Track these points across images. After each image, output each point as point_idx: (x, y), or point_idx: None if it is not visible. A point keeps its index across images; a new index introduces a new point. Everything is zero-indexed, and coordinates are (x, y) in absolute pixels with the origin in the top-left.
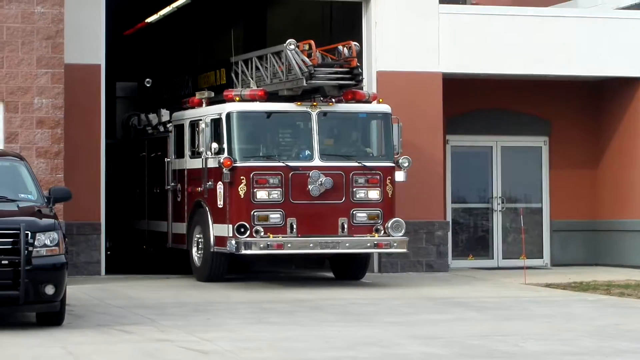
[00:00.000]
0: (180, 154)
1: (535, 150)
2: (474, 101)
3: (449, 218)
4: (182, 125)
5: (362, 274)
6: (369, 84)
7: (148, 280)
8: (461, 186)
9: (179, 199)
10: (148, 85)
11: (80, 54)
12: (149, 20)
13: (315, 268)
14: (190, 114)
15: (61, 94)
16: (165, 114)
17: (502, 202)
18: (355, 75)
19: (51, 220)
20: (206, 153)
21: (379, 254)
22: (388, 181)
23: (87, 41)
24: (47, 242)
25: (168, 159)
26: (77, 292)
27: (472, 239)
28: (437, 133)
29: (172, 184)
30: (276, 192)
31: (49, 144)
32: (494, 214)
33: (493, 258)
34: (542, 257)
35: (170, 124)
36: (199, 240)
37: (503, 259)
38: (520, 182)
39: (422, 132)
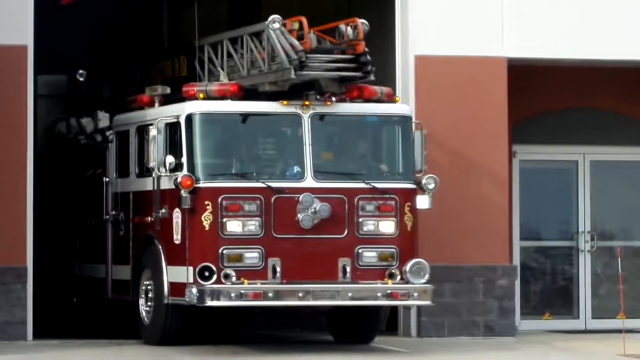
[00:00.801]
0: (123, 171)
1: (638, 165)
2: (553, 98)
3: (516, 261)
4: (127, 132)
5: (371, 336)
6: (405, 74)
7: (91, 348)
8: (534, 216)
9: (122, 233)
10: (81, 79)
11: None
12: None
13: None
14: (137, 118)
15: None
16: (104, 118)
17: (592, 239)
18: (362, 64)
19: None
20: (159, 170)
21: (418, 309)
22: (407, 209)
23: (9, 14)
24: None
25: (107, 179)
26: None
27: (550, 291)
28: (500, 142)
29: (113, 212)
30: (253, 222)
31: None
32: (580, 255)
33: (579, 317)
34: None
35: (111, 132)
36: (149, 288)
37: (593, 318)
38: (617, 210)
39: (479, 141)
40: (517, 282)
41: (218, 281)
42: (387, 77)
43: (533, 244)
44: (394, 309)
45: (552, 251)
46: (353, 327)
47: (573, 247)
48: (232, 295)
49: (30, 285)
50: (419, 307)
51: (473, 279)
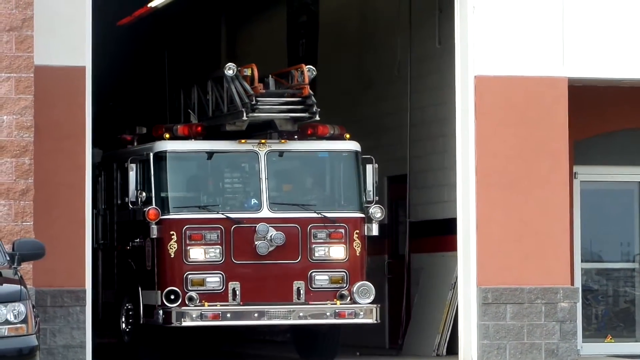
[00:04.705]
0: (110, 203)
1: None
2: (614, 118)
3: (577, 283)
4: (112, 167)
5: (332, 353)
6: (464, 94)
7: None
8: (596, 238)
9: (108, 260)
10: None
11: (56, 53)
12: (153, 4)
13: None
14: (119, 155)
15: (30, 109)
16: (97, 154)
17: None
18: (308, 106)
19: (16, 287)
20: (132, 203)
21: (479, 332)
22: (355, 236)
23: (67, 34)
24: (10, 317)
25: (95, 210)
26: None
27: (612, 313)
28: (560, 162)
29: (101, 241)
30: (214, 250)
31: (13, 179)
32: None
33: None
34: None
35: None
36: (129, 310)
37: None
38: None
39: (539, 162)
40: (579, 305)
41: (182, 304)
42: (445, 97)
43: (594, 266)
44: (454, 332)
45: (614, 273)
46: (314, 345)
47: (635, 269)
48: (194, 316)
49: (89, 308)
50: (480, 331)
51: (534, 301)
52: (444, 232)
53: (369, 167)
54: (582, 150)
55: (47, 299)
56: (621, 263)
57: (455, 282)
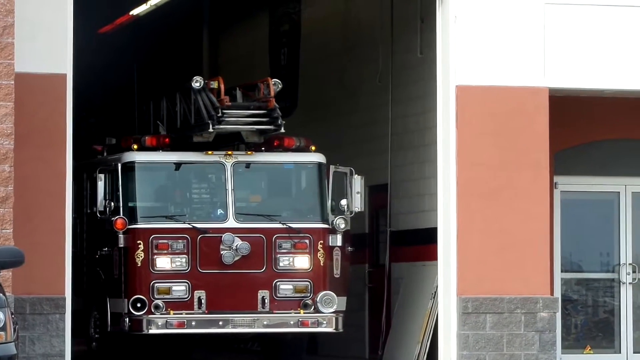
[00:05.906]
0: (80, 213)
1: None
2: (595, 128)
3: (557, 293)
4: (82, 177)
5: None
6: (446, 103)
7: None
8: (575, 248)
9: (78, 269)
10: None
11: (37, 60)
12: (135, 12)
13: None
14: (89, 165)
15: (10, 116)
16: None
17: (634, 271)
18: (273, 118)
19: None
20: (100, 212)
21: (459, 342)
22: (320, 246)
23: (48, 41)
24: None
25: None
26: None
27: (591, 323)
28: (540, 173)
29: (72, 250)
30: (180, 259)
31: None
32: (621, 287)
33: (620, 351)
34: None
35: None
36: (97, 318)
37: (634, 352)
38: None
39: (520, 172)
40: (558, 315)
41: (149, 312)
42: (427, 107)
43: (574, 276)
44: (434, 342)
45: (593, 283)
46: (280, 352)
47: (614, 279)
48: (159, 324)
49: (69, 315)
50: (460, 341)
51: (513, 311)
52: (424, 242)
53: (351, 179)
54: (563, 160)
55: (26, 307)
56: (601, 273)
57: (436, 292)
